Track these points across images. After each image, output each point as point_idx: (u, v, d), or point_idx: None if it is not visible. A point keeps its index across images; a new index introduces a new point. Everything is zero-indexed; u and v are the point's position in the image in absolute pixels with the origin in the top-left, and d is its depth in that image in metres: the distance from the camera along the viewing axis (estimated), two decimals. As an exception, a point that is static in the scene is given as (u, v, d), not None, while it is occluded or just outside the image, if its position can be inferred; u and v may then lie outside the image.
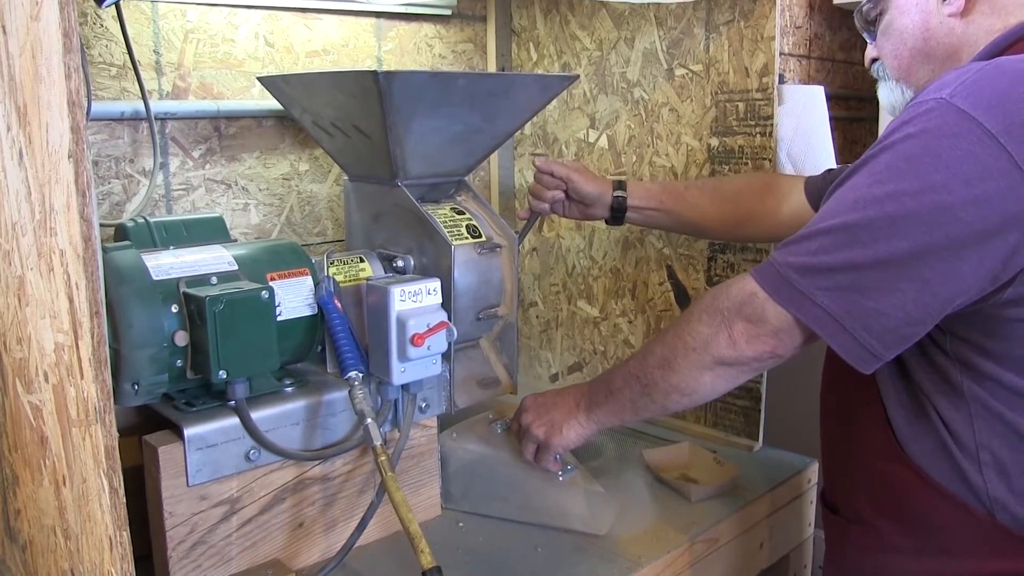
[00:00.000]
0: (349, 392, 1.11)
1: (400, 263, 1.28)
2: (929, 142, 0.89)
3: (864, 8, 1.13)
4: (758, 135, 1.47)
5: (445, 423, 1.36)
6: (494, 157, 1.87)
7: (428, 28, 1.76)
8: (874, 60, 1.16)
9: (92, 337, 0.72)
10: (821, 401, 1.18)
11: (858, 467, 1.10)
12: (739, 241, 1.51)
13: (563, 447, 1.23)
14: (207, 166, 1.49)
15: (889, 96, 1.14)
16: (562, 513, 1.26)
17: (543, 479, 1.28)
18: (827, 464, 1.19)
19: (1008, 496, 0.97)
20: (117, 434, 0.75)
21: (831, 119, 1.66)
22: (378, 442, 1.07)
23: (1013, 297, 0.91)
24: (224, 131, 1.50)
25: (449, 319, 1.16)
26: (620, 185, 1.46)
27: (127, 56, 1.34)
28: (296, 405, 1.13)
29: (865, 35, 1.16)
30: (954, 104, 0.88)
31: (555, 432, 1.22)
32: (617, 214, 1.46)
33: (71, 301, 0.71)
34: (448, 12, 1.76)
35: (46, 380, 0.73)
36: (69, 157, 0.68)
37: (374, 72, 1.10)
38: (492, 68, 1.85)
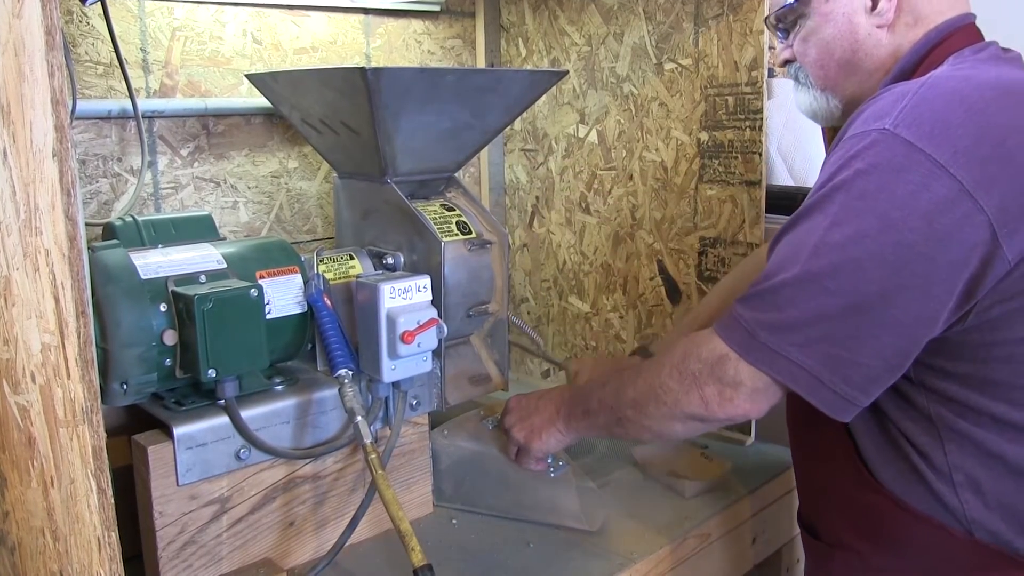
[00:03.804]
0: (339, 390, 1.11)
1: (390, 260, 1.28)
2: (882, 178, 0.88)
3: (777, 13, 1.11)
4: (748, 129, 1.47)
5: (436, 420, 1.36)
6: (484, 153, 1.87)
7: (417, 24, 1.75)
8: (788, 61, 1.13)
9: (78, 337, 0.71)
10: (789, 429, 1.17)
11: (833, 496, 1.09)
12: None
13: (543, 452, 1.24)
14: (195, 164, 1.48)
15: (812, 104, 1.12)
16: (553, 509, 1.26)
17: (534, 476, 1.28)
18: (802, 490, 1.18)
19: (984, 513, 0.96)
20: (104, 434, 0.75)
21: (821, 113, 1.67)
22: (368, 440, 1.07)
23: (976, 323, 0.90)
24: (212, 129, 1.49)
25: (439, 316, 1.16)
26: (643, 352, 1.46)
27: (114, 54, 1.33)
28: (286, 403, 1.12)
29: (776, 34, 1.14)
30: (899, 135, 0.87)
31: (535, 437, 1.23)
32: None
33: (57, 301, 0.70)
34: (437, 8, 1.76)
35: (33, 381, 0.72)
36: (53, 156, 0.68)
37: (362, 68, 1.10)
38: (481, 64, 1.85)
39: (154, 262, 1.07)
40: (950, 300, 0.88)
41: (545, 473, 1.28)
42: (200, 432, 1.04)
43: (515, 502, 1.28)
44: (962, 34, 1.02)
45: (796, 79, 1.13)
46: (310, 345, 1.20)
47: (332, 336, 1.13)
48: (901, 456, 1.00)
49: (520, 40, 1.82)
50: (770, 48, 1.22)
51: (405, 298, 1.14)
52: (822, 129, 1.63)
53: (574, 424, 1.20)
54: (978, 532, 0.97)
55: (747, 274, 1.39)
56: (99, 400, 0.74)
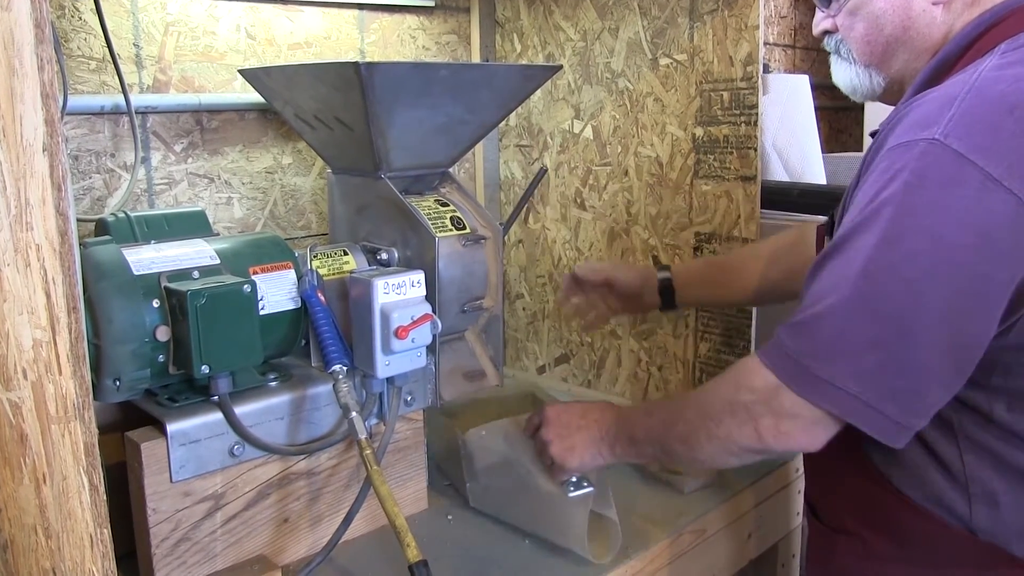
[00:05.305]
0: (333, 386, 1.10)
1: (384, 256, 1.28)
2: (933, 194, 0.83)
3: None
4: (743, 124, 1.47)
5: (429, 416, 1.35)
6: (479, 148, 1.87)
7: (411, 20, 1.75)
8: (827, 32, 1.08)
9: (70, 333, 0.71)
10: None
11: (836, 481, 1.08)
12: (788, 300, 1.38)
13: (579, 471, 1.17)
14: (189, 160, 1.47)
15: (853, 80, 1.07)
16: (562, 531, 1.19)
17: (553, 492, 1.20)
18: (809, 472, 1.17)
19: (992, 523, 0.95)
20: (96, 431, 0.75)
21: (816, 108, 1.67)
22: (363, 436, 1.06)
23: (1016, 340, 0.87)
24: (206, 125, 1.49)
25: (433, 311, 1.15)
26: (662, 268, 1.45)
27: (106, 49, 1.33)
28: (280, 399, 1.12)
29: (817, 1, 1.08)
30: (950, 147, 0.82)
31: (573, 457, 1.15)
32: (666, 296, 1.44)
33: (48, 296, 0.70)
34: (431, 3, 1.76)
35: (25, 377, 0.72)
36: (44, 150, 0.67)
37: (355, 63, 1.10)
38: (476, 60, 1.84)
39: (147, 258, 1.07)
40: (999, 316, 0.85)
41: (564, 490, 1.19)
42: (194, 428, 1.04)
43: (530, 516, 1.23)
44: (1020, 16, 0.94)
45: (837, 52, 1.08)
46: (304, 341, 1.20)
47: (326, 332, 1.13)
48: (911, 456, 0.98)
49: (515, 36, 1.82)
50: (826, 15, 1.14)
51: (399, 293, 1.13)
52: (818, 126, 1.63)
53: (619, 451, 1.13)
54: (981, 535, 0.96)
55: (783, 246, 1.38)
56: (91, 396, 0.74)
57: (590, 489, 1.18)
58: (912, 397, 0.87)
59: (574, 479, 1.19)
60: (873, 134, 1.05)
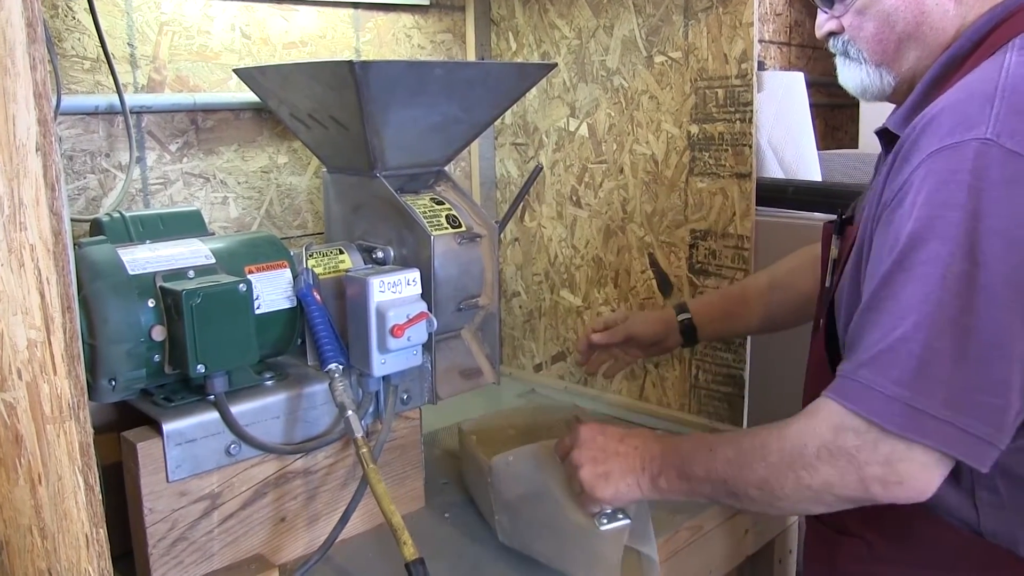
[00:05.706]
0: (329, 384, 1.10)
1: (380, 254, 1.28)
2: (998, 194, 0.82)
3: None
4: (738, 122, 1.47)
5: (428, 415, 1.35)
6: (474, 147, 1.87)
7: (406, 18, 1.75)
8: (833, 33, 1.06)
9: (64, 333, 0.71)
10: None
11: None
12: (802, 323, 1.35)
13: (610, 503, 1.07)
14: (184, 160, 1.47)
15: (864, 80, 1.05)
16: (591, 567, 1.09)
17: (587, 523, 1.09)
18: None
19: (999, 524, 0.94)
20: (92, 430, 0.75)
21: (811, 105, 1.66)
22: (359, 434, 1.07)
23: None
24: (201, 124, 1.49)
25: (429, 310, 1.16)
26: (680, 308, 1.44)
27: (100, 49, 1.33)
28: (276, 398, 1.12)
29: (820, 3, 1.06)
30: (1003, 146, 0.82)
31: (607, 486, 1.05)
32: (688, 334, 1.43)
33: (42, 296, 0.70)
34: (426, 2, 1.76)
35: (20, 377, 0.72)
36: (37, 150, 0.67)
37: (350, 62, 1.09)
38: (471, 58, 1.84)
39: (142, 258, 1.07)
40: None
41: (596, 522, 1.07)
42: (190, 428, 1.04)
43: (558, 550, 1.13)
44: None
45: (846, 54, 1.05)
46: (300, 340, 1.20)
47: (322, 331, 1.13)
48: None
49: (510, 34, 1.82)
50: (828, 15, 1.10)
51: (395, 292, 1.14)
52: (813, 123, 1.63)
53: (663, 485, 1.04)
54: (988, 536, 0.95)
55: (793, 269, 1.37)
56: (86, 396, 0.74)
57: (626, 522, 1.07)
58: (999, 413, 0.83)
59: (608, 510, 1.07)
60: (879, 133, 1.04)
